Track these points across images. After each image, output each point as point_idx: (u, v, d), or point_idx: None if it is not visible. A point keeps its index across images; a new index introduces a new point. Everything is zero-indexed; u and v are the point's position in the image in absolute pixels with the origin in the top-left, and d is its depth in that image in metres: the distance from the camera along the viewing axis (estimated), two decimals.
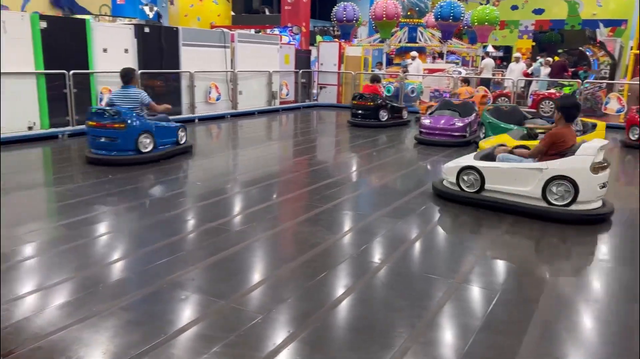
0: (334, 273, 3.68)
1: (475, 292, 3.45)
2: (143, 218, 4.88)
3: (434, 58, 18.65)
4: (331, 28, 26.20)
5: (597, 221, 4.92)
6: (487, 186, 5.23)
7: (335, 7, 19.68)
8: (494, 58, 19.72)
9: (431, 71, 16.01)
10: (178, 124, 7.70)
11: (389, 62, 19.12)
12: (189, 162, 7.50)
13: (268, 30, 17.98)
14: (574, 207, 4.84)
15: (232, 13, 22.26)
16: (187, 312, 3.07)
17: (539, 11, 25.58)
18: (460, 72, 15.00)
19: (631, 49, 13.57)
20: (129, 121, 6.73)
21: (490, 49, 20.25)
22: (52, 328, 2.80)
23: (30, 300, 3.15)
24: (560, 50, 22.96)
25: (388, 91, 13.82)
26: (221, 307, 3.11)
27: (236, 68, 12.54)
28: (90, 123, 6.81)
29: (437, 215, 5.29)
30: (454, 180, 5.44)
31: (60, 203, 5.35)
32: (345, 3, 20.05)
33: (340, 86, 15.55)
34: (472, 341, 2.79)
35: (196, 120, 11.45)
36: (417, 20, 19.50)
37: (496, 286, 3.55)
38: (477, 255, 4.13)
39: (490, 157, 5.49)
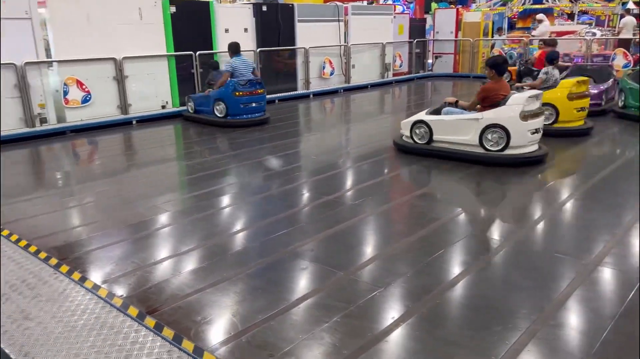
0: (453, 250, 3.58)
1: (612, 275, 3.16)
2: (264, 191, 5.12)
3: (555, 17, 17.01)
4: None
5: (534, 163, 5.50)
6: (435, 137, 5.88)
7: None
8: (636, 16, 17.51)
9: (559, 34, 14.67)
10: None
11: (511, 27, 17.86)
12: (304, 136, 7.67)
13: (381, 1, 17.65)
14: (509, 152, 5.38)
15: None
16: (307, 281, 3.18)
17: None
18: (594, 34, 13.58)
19: None
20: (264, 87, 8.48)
21: (631, 5, 18.05)
22: (189, 289, 3.07)
23: (167, 264, 3.47)
24: None
25: (510, 57, 12.95)
26: (340, 278, 3.17)
27: (349, 42, 12.51)
28: (239, 93, 8.04)
29: (562, 192, 4.89)
30: (408, 134, 6.12)
31: (192, 176, 5.78)
32: None
33: (458, 55, 14.86)
34: (611, 328, 2.56)
35: (311, 96, 11.67)
36: None
37: (637, 269, 3.21)
38: (610, 235, 3.76)
39: (438, 111, 6.04)
